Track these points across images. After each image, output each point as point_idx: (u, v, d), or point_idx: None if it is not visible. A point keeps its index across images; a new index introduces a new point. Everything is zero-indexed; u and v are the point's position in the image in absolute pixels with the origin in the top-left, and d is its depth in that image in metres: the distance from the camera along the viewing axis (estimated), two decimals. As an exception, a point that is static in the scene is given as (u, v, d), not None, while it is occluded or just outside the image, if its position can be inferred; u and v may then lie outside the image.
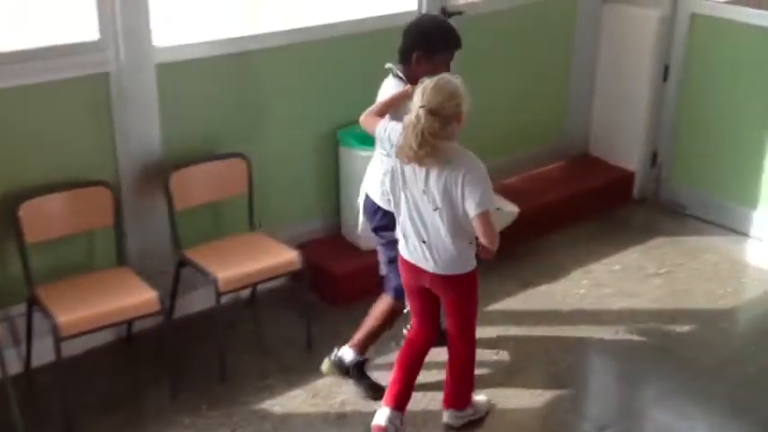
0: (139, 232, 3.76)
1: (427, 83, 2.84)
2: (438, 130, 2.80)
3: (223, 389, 3.47)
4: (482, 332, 3.77)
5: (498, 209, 4.44)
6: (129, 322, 3.58)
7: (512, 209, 4.47)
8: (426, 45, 3.19)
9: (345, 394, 3.44)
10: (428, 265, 3.00)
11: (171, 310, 3.64)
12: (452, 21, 4.42)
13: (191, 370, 3.56)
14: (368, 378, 3.44)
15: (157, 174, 3.71)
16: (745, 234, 4.74)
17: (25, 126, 3.39)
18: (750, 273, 4.45)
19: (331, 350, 3.45)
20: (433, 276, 3.03)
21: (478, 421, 3.30)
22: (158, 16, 3.61)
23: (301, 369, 3.59)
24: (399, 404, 3.18)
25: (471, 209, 2.86)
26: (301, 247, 3.81)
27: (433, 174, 2.88)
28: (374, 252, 4.14)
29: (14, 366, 3.40)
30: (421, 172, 2.91)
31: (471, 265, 3.04)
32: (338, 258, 4.14)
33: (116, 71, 3.56)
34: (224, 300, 3.52)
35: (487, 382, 3.50)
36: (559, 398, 3.44)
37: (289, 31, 4.03)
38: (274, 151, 4.10)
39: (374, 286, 4.08)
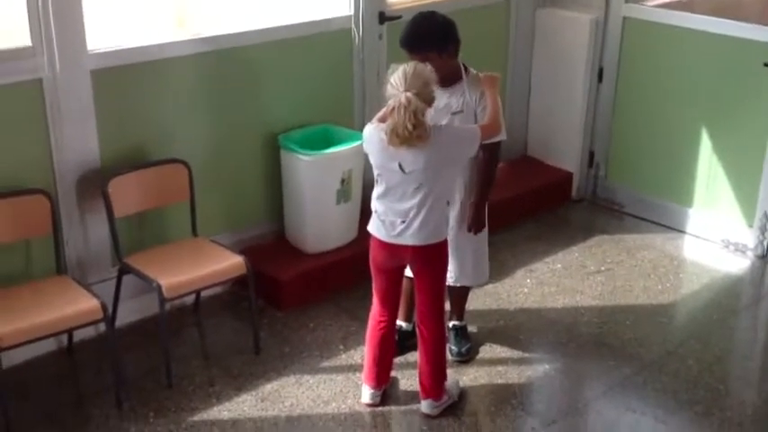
0: (79, 240, 3.68)
1: (404, 68, 2.97)
2: (422, 115, 2.94)
3: (170, 396, 3.41)
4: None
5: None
6: (71, 331, 3.49)
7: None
8: (442, 43, 3.25)
9: (294, 398, 3.41)
10: (408, 239, 3.13)
11: (113, 318, 3.57)
12: (389, 26, 4.48)
13: (136, 378, 3.49)
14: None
15: (96, 181, 3.63)
16: (681, 231, 4.86)
17: (-42, 133, 3.31)
18: (687, 268, 4.56)
19: (280, 354, 3.43)
20: (414, 250, 3.14)
21: (453, 405, 3.37)
22: (92, 21, 3.55)
23: (249, 374, 3.55)
24: (379, 383, 3.37)
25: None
26: (245, 251, 3.78)
27: (415, 153, 3.01)
28: (319, 255, 4.16)
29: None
30: (398, 155, 3.02)
31: (445, 233, 3.20)
32: (283, 263, 4.11)
33: (50, 77, 3.48)
34: (168, 307, 3.46)
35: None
36: (506, 395, 3.47)
37: (225, 35, 4.00)
38: (215, 156, 4.07)
39: (319, 290, 4.10)
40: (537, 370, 3.68)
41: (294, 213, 4.22)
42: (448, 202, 3.22)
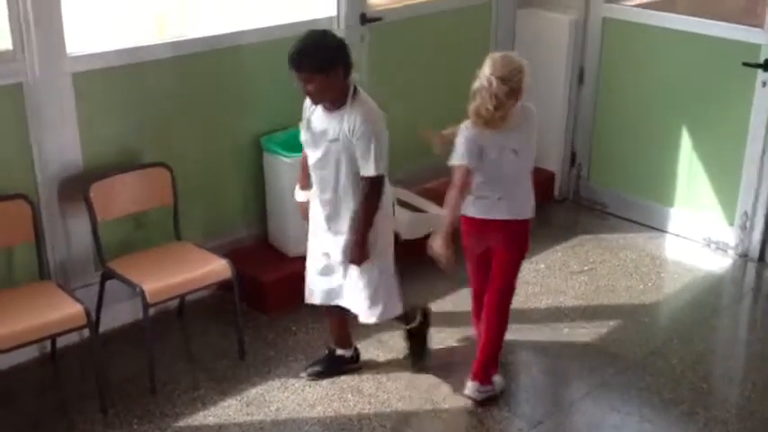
0: (62, 245, 3.65)
1: (496, 55, 3.17)
2: (506, 97, 3.08)
3: (154, 402, 3.39)
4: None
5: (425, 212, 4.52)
6: (55, 337, 3.46)
7: (439, 211, 4.51)
8: (328, 64, 3.05)
9: (279, 402, 3.40)
10: (500, 213, 3.28)
11: (97, 323, 3.53)
12: (370, 27, 4.48)
13: (120, 383, 3.47)
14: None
15: (78, 185, 3.61)
16: (662, 231, 4.89)
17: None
18: (669, 268, 4.59)
19: (264, 358, 3.42)
20: (503, 224, 3.31)
21: (494, 398, 3.42)
22: (72, 24, 3.52)
23: (233, 379, 3.54)
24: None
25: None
26: (229, 255, 3.76)
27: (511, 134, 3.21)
28: (302, 258, 4.14)
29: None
30: (498, 136, 3.19)
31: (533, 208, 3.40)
32: (267, 266, 4.10)
33: (31, 81, 3.46)
34: (151, 312, 3.44)
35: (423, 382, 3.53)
36: (493, 396, 3.47)
37: (206, 37, 3.99)
38: (198, 160, 4.05)
39: (303, 293, 4.07)
40: (522, 371, 3.69)
41: (277, 216, 4.21)
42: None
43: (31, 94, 3.46)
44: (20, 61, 3.41)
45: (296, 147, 4.10)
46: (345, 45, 3.14)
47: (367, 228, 3.21)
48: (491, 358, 3.43)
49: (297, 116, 4.33)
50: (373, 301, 3.32)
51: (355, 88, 3.16)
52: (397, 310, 3.41)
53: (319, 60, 3.03)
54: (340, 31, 4.33)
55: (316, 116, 3.23)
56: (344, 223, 3.25)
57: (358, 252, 3.23)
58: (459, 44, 5.02)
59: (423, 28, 4.82)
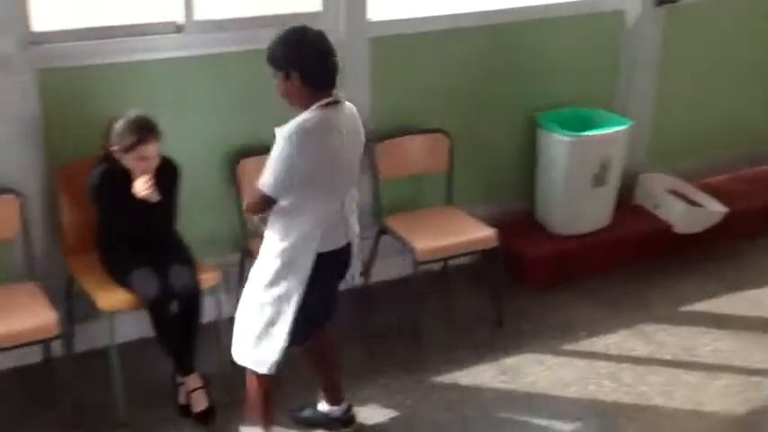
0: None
1: None
2: None
3: (415, 355, 3.54)
4: (677, 332, 3.71)
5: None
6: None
7: (719, 209, 4.33)
8: (283, 64, 2.65)
9: (534, 375, 3.44)
10: None
11: (367, 273, 3.73)
12: (662, 10, 4.32)
13: (384, 333, 3.64)
14: None
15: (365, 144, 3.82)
16: None
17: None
18: None
19: (520, 330, 3.40)
20: None
21: None
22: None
23: (490, 345, 3.62)
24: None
25: None
26: (495, 225, 3.80)
27: None
28: (568, 238, 4.13)
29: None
30: None
31: None
32: (531, 241, 4.13)
33: (335, 42, 3.68)
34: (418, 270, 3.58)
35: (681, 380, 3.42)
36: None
37: (497, 11, 4.04)
38: (475, 130, 4.13)
39: (566, 272, 4.07)
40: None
41: (547, 193, 4.22)
42: None
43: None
44: (327, 23, 3.66)
45: (572, 125, 4.10)
46: (306, 45, 2.66)
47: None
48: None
49: (575, 96, 4.34)
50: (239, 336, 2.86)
51: (333, 102, 2.68)
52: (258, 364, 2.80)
53: (272, 59, 2.66)
54: (635, 12, 4.25)
55: None
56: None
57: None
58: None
59: (716, 12, 4.58)
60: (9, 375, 3.32)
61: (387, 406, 3.23)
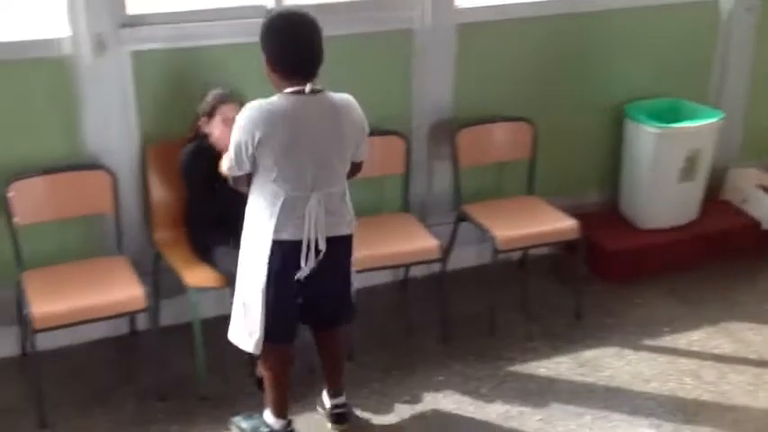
0: (424, 183, 3.90)
1: None
2: None
3: (490, 343, 3.54)
4: (763, 331, 3.62)
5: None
6: (410, 266, 3.76)
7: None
8: (263, 49, 2.70)
9: (612, 369, 3.39)
10: None
11: (445, 260, 3.71)
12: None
13: (460, 320, 3.63)
14: None
15: (446, 130, 3.83)
16: None
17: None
18: None
19: (601, 324, 3.37)
20: None
21: None
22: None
23: (568, 337, 3.58)
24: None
25: None
26: (577, 217, 3.75)
27: None
28: (653, 232, 4.06)
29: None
30: None
31: None
32: (614, 234, 4.07)
33: (420, 29, 3.70)
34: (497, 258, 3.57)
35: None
36: None
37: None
38: (560, 120, 4.07)
39: (650, 267, 4.00)
40: None
41: (632, 186, 4.14)
42: None
43: (420, 41, 3.71)
44: (415, 9, 3.67)
45: (661, 117, 4.02)
46: (277, 38, 2.65)
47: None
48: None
49: (665, 87, 4.25)
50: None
51: (301, 91, 2.64)
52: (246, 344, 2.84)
53: (261, 44, 2.69)
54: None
55: None
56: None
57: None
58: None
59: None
60: (98, 346, 3.45)
61: (461, 393, 3.24)
